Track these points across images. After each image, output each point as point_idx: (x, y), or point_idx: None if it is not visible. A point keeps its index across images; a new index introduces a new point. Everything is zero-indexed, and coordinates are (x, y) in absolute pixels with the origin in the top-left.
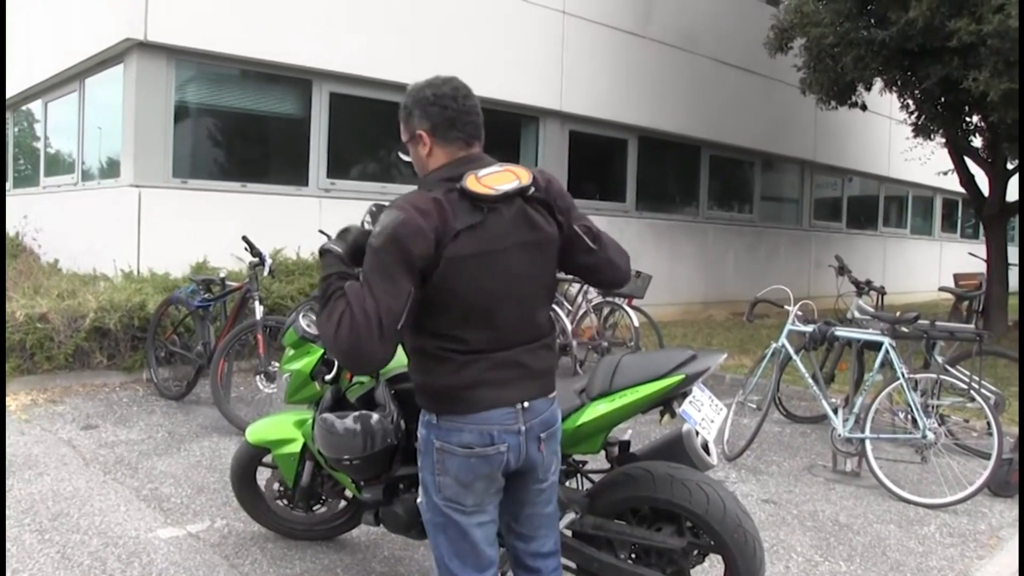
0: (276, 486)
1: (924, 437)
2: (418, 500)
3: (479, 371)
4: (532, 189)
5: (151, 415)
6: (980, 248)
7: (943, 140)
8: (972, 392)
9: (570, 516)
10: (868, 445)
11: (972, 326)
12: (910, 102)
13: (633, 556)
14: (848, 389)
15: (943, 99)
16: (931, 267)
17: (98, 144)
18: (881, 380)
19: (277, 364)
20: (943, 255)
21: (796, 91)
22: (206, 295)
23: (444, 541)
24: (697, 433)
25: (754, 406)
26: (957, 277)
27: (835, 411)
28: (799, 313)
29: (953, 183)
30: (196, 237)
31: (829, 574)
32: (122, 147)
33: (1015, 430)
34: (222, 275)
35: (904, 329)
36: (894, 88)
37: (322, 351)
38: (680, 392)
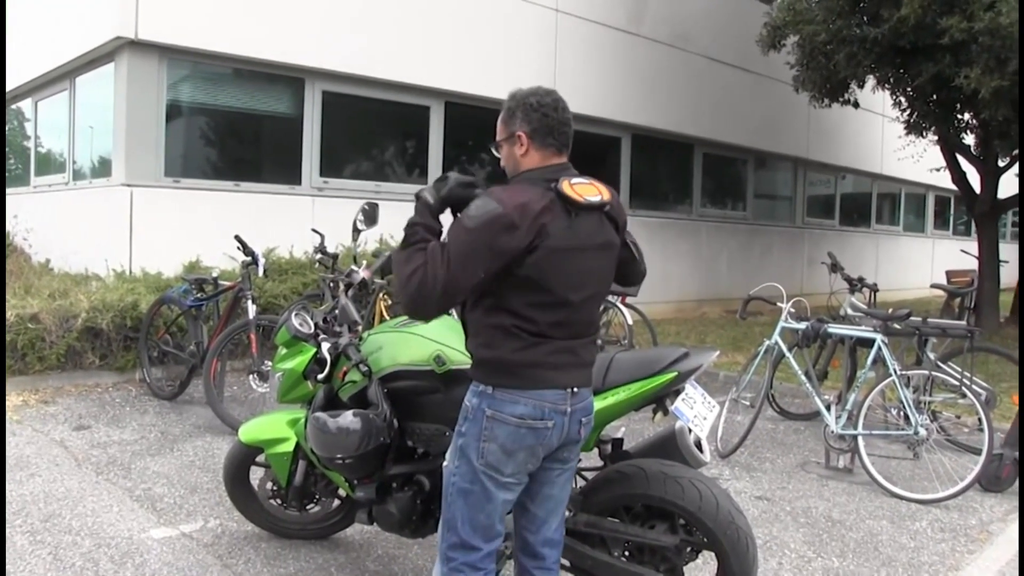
0: (269, 485)
1: (916, 433)
2: (444, 464)
3: (544, 353)
4: (608, 206)
5: (144, 415)
6: (972, 245)
7: (935, 137)
8: (964, 388)
9: (563, 514)
10: (861, 441)
11: (964, 323)
12: (902, 99)
13: (627, 554)
14: (841, 386)
15: (935, 96)
16: (924, 264)
17: (89, 143)
18: (873, 377)
19: (270, 363)
20: (935, 252)
21: (789, 89)
22: (199, 295)
23: (463, 506)
24: (690, 430)
25: (747, 403)
26: (949, 274)
27: (828, 408)
28: (792, 310)
29: (945, 180)
30: (188, 236)
31: (822, 570)
32: (114, 146)
33: (1006, 426)
34: (215, 274)
35: (896, 326)
36: (886, 86)
37: (314, 350)
38: (673, 390)
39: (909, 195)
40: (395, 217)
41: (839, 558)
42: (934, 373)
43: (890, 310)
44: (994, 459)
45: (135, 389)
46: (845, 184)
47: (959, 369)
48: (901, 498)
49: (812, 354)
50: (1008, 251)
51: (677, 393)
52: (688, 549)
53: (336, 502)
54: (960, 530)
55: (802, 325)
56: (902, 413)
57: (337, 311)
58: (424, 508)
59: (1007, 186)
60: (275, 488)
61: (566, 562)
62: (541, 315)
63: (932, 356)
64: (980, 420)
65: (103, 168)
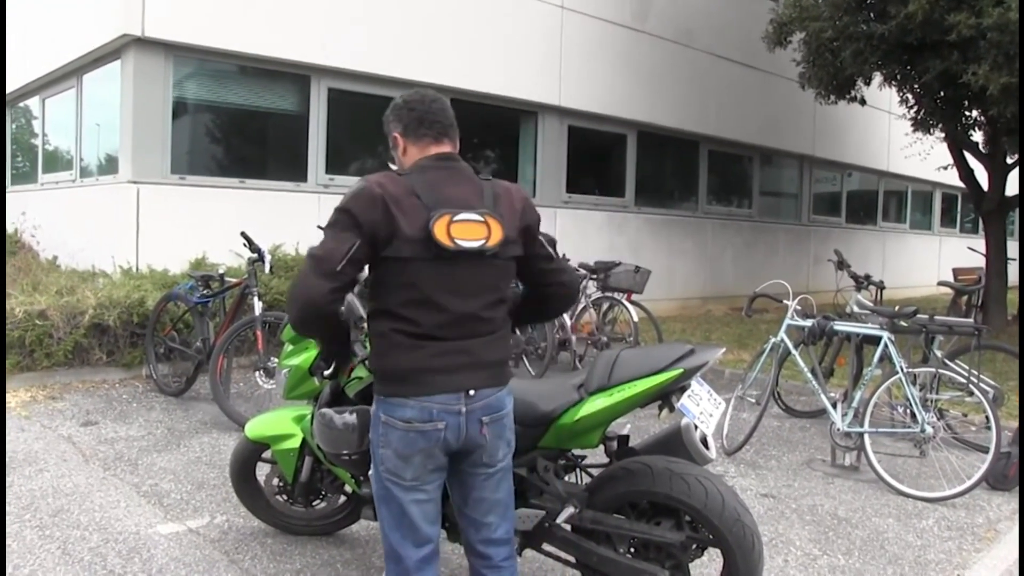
0: (275, 481)
1: (923, 431)
2: (370, 472)
3: (428, 355)
4: (494, 249)
5: (150, 411)
6: (979, 243)
7: (943, 135)
8: (971, 386)
9: (569, 510)
10: (867, 439)
11: (971, 320)
12: (909, 96)
13: (632, 550)
14: (847, 384)
15: (942, 93)
16: (930, 262)
17: (96, 141)
18: (880, 374)
19: (276, 360)
20: (942, 250)
21: (795, 85)
22: (205, 291)
23: (386, 513)
24: (696, 427)
25: (753, 400)
26: (956, 272)
27: (834, 405)
28: (798, 308)
29: (952, 178)
30: (195, 233)
31: (828, 568)
32: (120, 143)
33: (1014, 424)
34: (221, 271)
35: (903, 323)
36: (893, 82)
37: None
38: (679, 386)
39: (916, 192)
40: None
41: (845, 556)
42: (941, 371)
43: (896, 307)
44: (1001, 457)
45: (142, 385)
46: (851, 182)
47: (966, 367)
48: (907, 496)
49: (818, 352)
50: (1015, 249)
51: (683, 390)
52: (694, 546)
53: (342, 498)
54: (967, 528)
55: (808, 322)
56: (908, 411)
57: (343, 307)
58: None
59: (1015, 183)
60: (281, 484)
61: (571, 558)
62: (421, 315)
63: (939, 354)
64: (987, 418)
65: (110, 165)
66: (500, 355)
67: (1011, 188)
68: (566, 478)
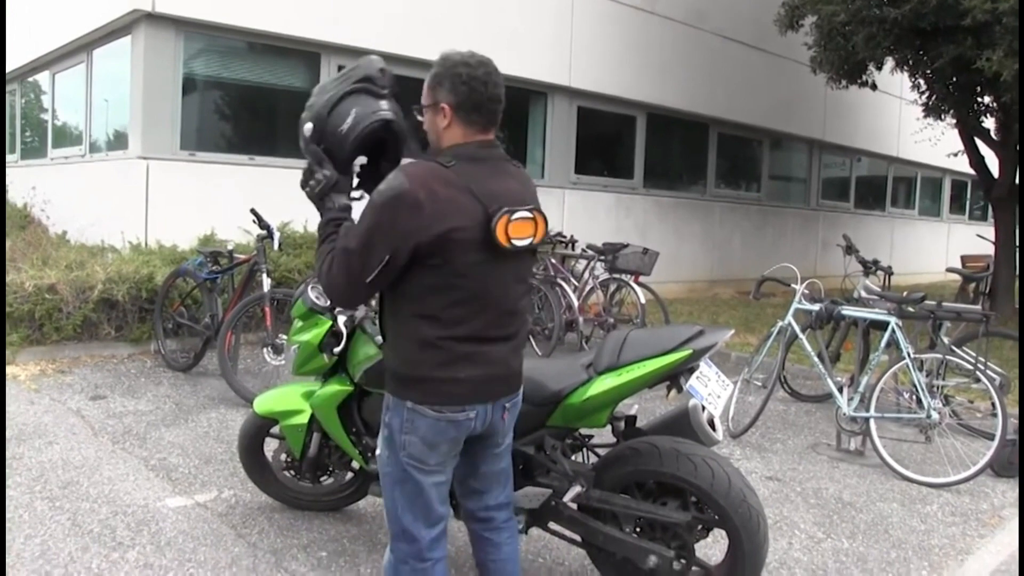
0: (283, 457)
1: (928, 417)
2: (377, 452)
3: (465, 367)
4: (536, 243)
5: (159, 386)
6: (988, 230)
7: (954, 121)
8: (977, 373)
9: (576, 489)
10: (872, 424)
11: (979, 307)
12: (921, 82)
13: (638, 530)
14: (853, 368)
15: (955, 79)
16: (939, 248)
17: (106, 116)
18: (887, 360)
19: (284, 336)
20: (951, 237)
21: (806, 69)
22: (214, 267)
23: (400, 496)
24: (703, 408)
25: (759, 384)
26: (965, 259)
27: (840, 390)
28: (806, 292)
29: (962, 164)
30: (204, 209)
31: (832, 551)
32: (130, 119)
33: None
34: (230, 247)
35: (910, 309)
36: (906, 67)
37: (330, 323)
38: (687, 367)
39: (925, 179)
40: None
41: (849, 539)
42: (948, 357)
43: (904, 293)
44: (1007, 444)
45: (150, 360)
46: (861, 167)
47: (973, 354)
48: (912, 481)
49: (825, 336)
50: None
51: (691, 371)
52: (699, 527)
53: (349, 474)
54: (971, 514)
55: (816, 306)
56: (914, 396)
57: None
58: None
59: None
60: (289, 460)
61: (577, 537)
62: (467, 315)
63: (946, 340)
64: (993, 405)
65: (119, 141)
66: (521, 361)
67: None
68: (573, 457)
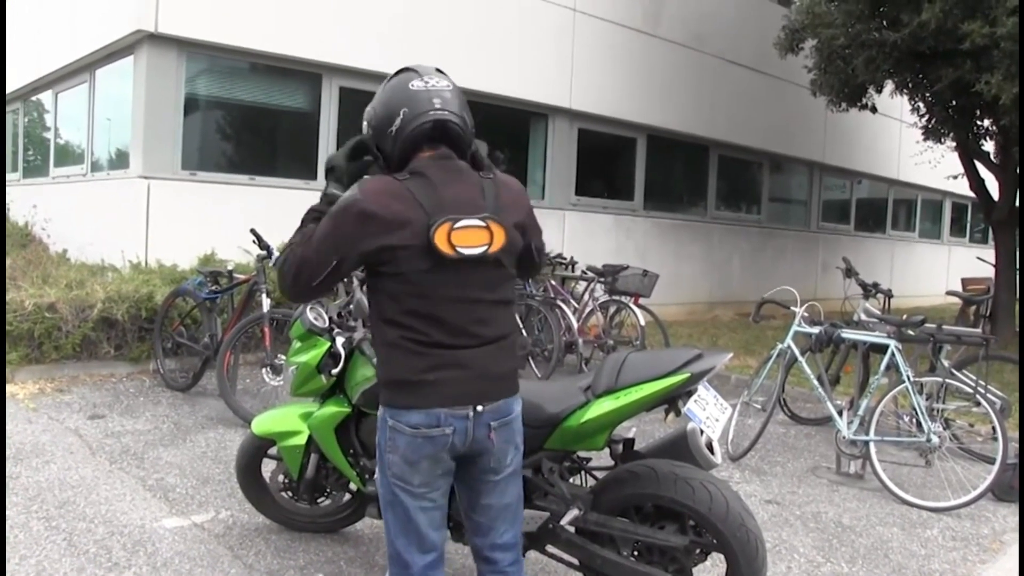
0: (281, 478)
1: (928, 440)
2: (375, 476)
3: (435, 365)
4: (496, 255)
5: (157, 406)
6: (989, 253)
7: (954, 143)
8: (977, 396)
9: (573, 512)
10: (872, 447)
11: (979, 330)
12: (921, 105)
13: (636, 553)
14: (853, 391)
15: (954, 102)
16: (939, 271)
17: (108, 135)
18: (886, 383)
19: (283, 357)
20: (951, 259)
21: (806, 92)
22: (213, 287)
23: (392, 519)
24: (702, 432)
25: (759, 407)
26: (965, 282)
27: (840, 413)
28: (805, 314)
29: (963, 187)
30: (204, 229)
31: (831, 575)
32: (132, 138)
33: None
34: (230, 267)
35: (910, 332)
36: (905, 91)
37: (328, 344)
38: (685, 391)
39: (926, 201)
40: None
41: (848, 564)
42: (948, 380)
43: (904, 316)
44: (1007, 469)
45: (149, 380)
46: (861, 189)
47: (973, 377)
48: (912, 505)
49: (825, 359)
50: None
51: (690, 394)
52: (697, 551)
53: (347, 496)
54: (972, 539)
55: (815, 329)
56: (914, 420)
57: (352, 306)
58: None
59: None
60: (287, 480)
61: (575, 561)
62: (426, 324)
63: (946, 363)
64: (994, 429)
65: (121, 160)
66: (509, 365)
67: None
68: (571, 480)
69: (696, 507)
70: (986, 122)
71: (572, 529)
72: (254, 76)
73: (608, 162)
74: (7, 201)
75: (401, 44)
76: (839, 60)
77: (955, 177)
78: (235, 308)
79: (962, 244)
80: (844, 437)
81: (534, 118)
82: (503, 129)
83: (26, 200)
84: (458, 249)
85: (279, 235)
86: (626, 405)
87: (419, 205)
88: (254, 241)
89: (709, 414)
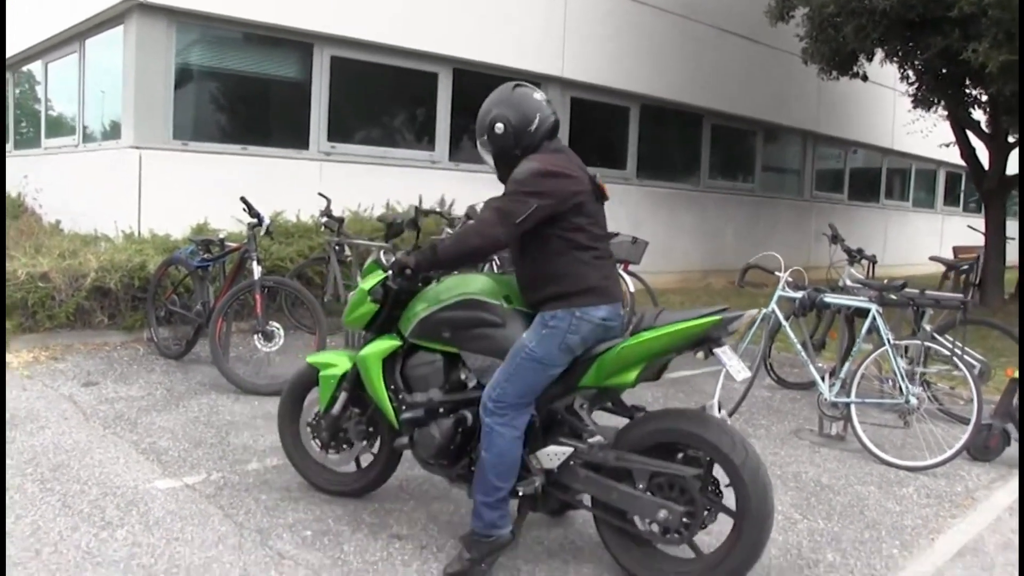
0: (315, 409)
1: (907, 402)
2: (520, 340)
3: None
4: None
5: (151, 373)
6: (982, 222)
7: (945, 112)
8: (954, 359)
9: (598, 438)
10: (853, 409)
11: (958, 295)
12: (910, 73)
13: (650, 491)
14: (837, 356)
15: (944, 70)
16: (932, 240)
17: (99, 106)
18: (869, 347)
19: (275, 324)
20: (944, 228)
21: (799, 61)
22: (205, 256)
23: (520, 375)
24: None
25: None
26: (957, 250)
27: (823, 377)
28: (789, 279)
29: (957, 156)
30: (196, 199)
31: (807, 531)
32: (123, 109)
33: (996, 397)
34: (221, 236)
35: (892, 296)
36: (895, 59)
37: (385, 276)
38: (716, 334)
39: (920, 171)
40: (400, 181)
41: (825, 520)
42: (928, 344)
43: (885, 280)
44: (983, 429)
45: (142, 348)
46: (855, 159)
47: (952, 341)
48: (890, 465)
49: (810, 324)
50: (1013, 228)
51: (719, 344)
52: (708, 487)
53: (366, 458)
54: (946, 496)
55: (799, 294)
56: (895, 383)
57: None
58: (462, 441)
59: (1016, 162)
60: (316, 414)
61: (587, 498)
62: (601, 245)
63: (928, 328)
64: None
65: (112, 131)
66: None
67: (1012, 167)
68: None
69: (716, 444)
70: (976, 91)
71: (589, 470)
72: (245, 46)
73: (601, 131)
74: None
75: (392, 14)
76: (830, 28)
77: (947, 146)
78: (227, 276)
79: (956, 213)
80: (826, 399)
81: None
82: None
83: (18, 171)
84: (604, 195)
85: (270, 204)
86: (663, 336)
87: (580, 168)
88: (244, 209)
89: (733, 364)
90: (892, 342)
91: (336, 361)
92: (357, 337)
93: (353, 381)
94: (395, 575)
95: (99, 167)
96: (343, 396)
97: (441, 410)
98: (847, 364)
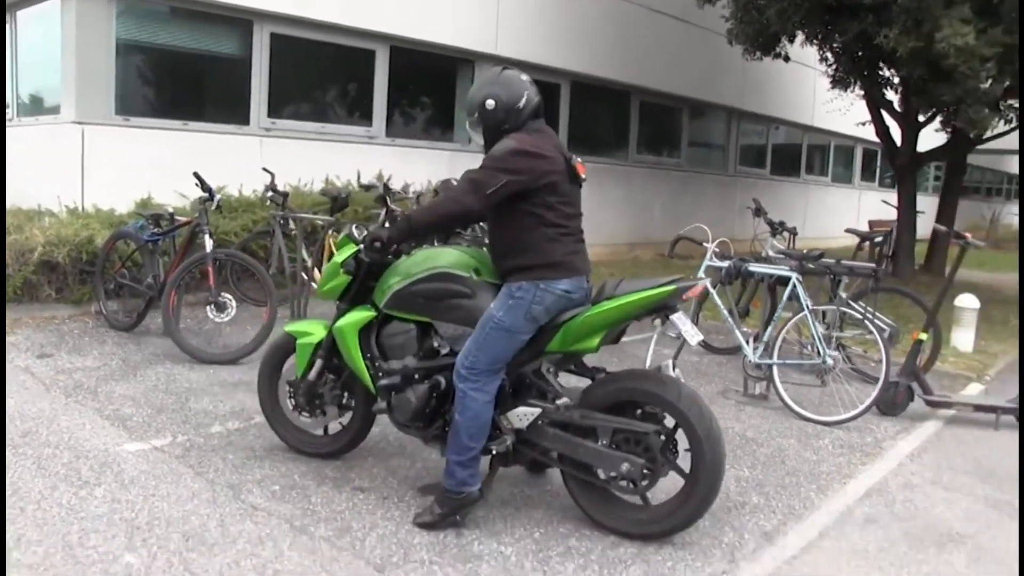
0: (292, 376)
1: (824, 363)
2: (488, 309)
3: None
4: (583, 178)
5: (103, 344)
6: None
7: (862, 92)
8: (866, 322)
9: (564, 400)
10: (775, 370)
11: (870, 264)
12: (829, 55)
13: (613, 445)
14: (760, 322)
15: (859, 53)
16: (850, 214)
17: (34, 80)
18: (789, 314)
19: (227, 295)
20: (861, 202)
21: (725, 40)
22: (155, 230)
23: (490, 343)
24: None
25: (673, 335)
26: (872, 223)
27: (747, 340)
28: (716, 250)
29: (873, 134)
30: (139, 174)
31: (733, 479)
32: (63, 84)
33: (901, 359)
34: (170, 211)
35: (810, 265)
36: (815, 41)
37: (357, 248)
38: (671, 303)
39: (838, 147)
40: (338, 156)
41: (750, 469)
42: (841, 308)
43: (805, 251)
44: (890, 387)
45: (91, 321)
46: (777, 135)
47: (863, 305)
48: (808, 420)
49: (735, 293)
50: (925, 203)
51: (674, 311)
52: (661, 436)
53: (334, 423)
54: (857, 447)
55: (725, 264)
56: (814, 346)
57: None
58: (437, 404)
59: (926, 141)
60: (293, 381)
61: (555, 454)
62: (568, 222)
63: (843, 295)
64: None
65: (50, 105)
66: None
67: (922, 144)
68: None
69: (666, 396)
70: (888, 72)
71: (557, 428)
72: (186, 22)
73: None
74: None
75: None
76: (754, 11)
77: (863, 124)
78: (177, 250)
79: (872, 188)
80: (750, 362)
81: (461, 64)
82: (430, 75)
83: None
84: (580, 175)
85: (213, 179)
86: (623, 305)
87: (556, 148)
88: (197, 184)
89: (687, 329)
90: (810, 308)
91: (312, 330)
92: (302, 308)
93: (328, 349)
94: (362, 522)
95: (38, 142)
96: (319, 363)
97: (416, 376)
98: (769, 329)
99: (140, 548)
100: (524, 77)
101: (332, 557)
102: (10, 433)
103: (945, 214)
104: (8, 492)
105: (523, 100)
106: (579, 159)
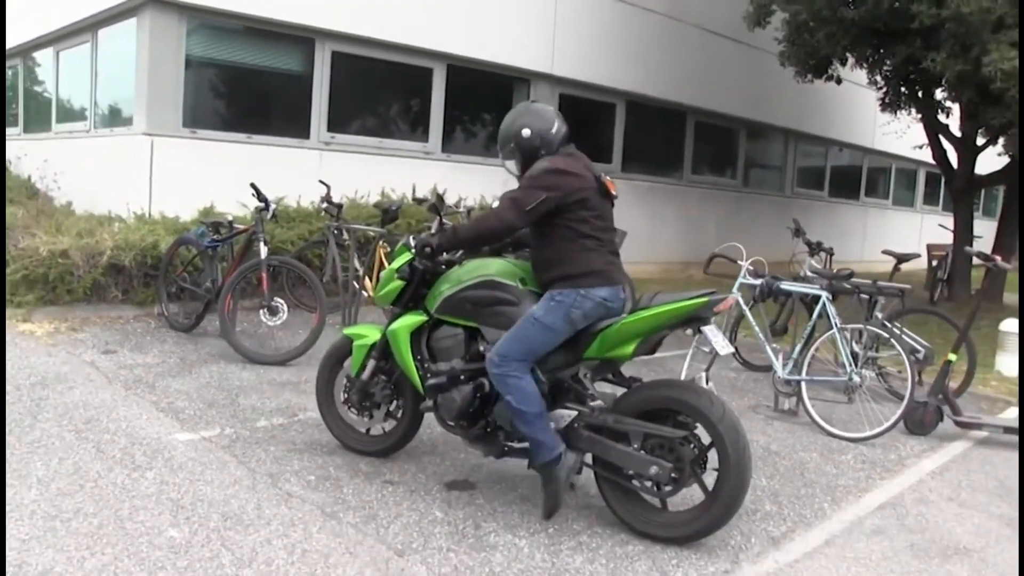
0: (345, 381)
1: (851, 380)
2: (531, 309)
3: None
4: (615, 195)
5: (163, 344)
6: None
7: (918, 116)
8: (893, 341)
9: (599, 403)
10: (804, 386)
11: (898, 284)
12: (878, 78)
13: (643, 450)
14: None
15: (910, 76)
16: (911, 237)
17: (110, 93)
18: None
19: (279, 300)
20: (924, 226)
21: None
22: (215, 236)
23: (531, 333)
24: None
25: (707, 350)
26: (930, 247)
27: (777, 357)
28: (750, 268)
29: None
30: (204, 184)
31: (750, 488)
32: (136, 97)
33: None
34: (230, 219)
35: (843, 285)
36: (864, 65)
37: (412, 256)
38: (705, 314)
39: (900, 170)
40: (395, 171)
41: (768, 479)
42: (869, 327)
43: (835, 270)
44: (919, 406)
45: (154, 322)
46: (836, 157)
47: (898, 326)
48: (834, 436)
49: (772, 312)
50: (982, 227)
51: (707, 323)
52: (692, 446)
53: (389, 423)
54: (879, 463)
55: (758, 281)
56: (842, 363)
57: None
58: (480, 405)
59: (985, 164)
60: (349, 379)
61: (589, 457)
62: (604, 235)
63: (879, 315)
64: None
65: (124, 118)
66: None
67: (980, 168)
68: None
69: (699, 407)
70: (944, 96)
71: (592, 431)
72: (251, 39)
73: (588, 126)
74: (11, 156)
75: (390, 11)
76: (805, 34)
77: (919, 147)
78: (234, 256)
79: (935, 212)
80: (780, 378)
81: (517, 83)
82: (487, 94)
83: (31, 155)
84: (611, 192)
85: (272, 190)
86: (657, 314)
87: (587, 168)
88: (253, 194)
89: (718, 341)
90: (839, 326)
91: (368, 333)
92: (354, 315)
93: (381, 351)
94: (388, 512)
95: (111, 152)
96: (372, 364)
97: (462, 377)
98: (799, 346)
99: (183, 524)
100: (552, 109)
101: (357, 541)
102: (76, 420)
103: (1004, 238)
104: (70, 471)
105: (555, 128)
106: (608, 177)
